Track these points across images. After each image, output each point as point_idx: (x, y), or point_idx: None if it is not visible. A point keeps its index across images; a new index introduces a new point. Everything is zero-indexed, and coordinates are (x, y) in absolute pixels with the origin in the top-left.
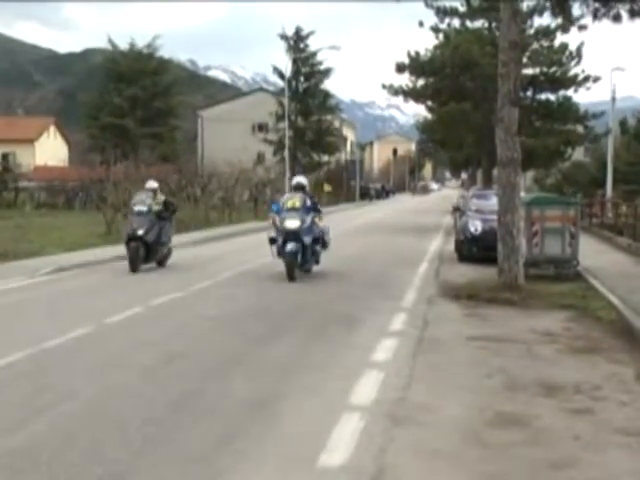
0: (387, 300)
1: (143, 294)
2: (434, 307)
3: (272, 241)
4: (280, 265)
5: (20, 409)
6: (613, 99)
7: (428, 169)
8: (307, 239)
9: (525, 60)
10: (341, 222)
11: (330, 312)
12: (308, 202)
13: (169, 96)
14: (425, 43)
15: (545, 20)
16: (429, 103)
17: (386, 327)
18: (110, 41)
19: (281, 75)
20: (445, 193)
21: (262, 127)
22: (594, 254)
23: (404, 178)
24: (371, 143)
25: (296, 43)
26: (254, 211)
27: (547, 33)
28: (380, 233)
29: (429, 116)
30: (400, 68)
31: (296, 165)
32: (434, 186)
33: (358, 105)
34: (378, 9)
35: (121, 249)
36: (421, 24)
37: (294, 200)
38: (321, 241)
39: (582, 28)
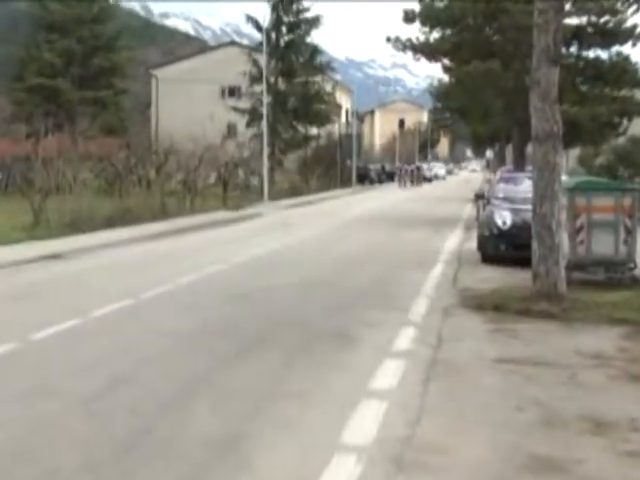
0: (391, 312)
1: (82, 302)
2: (451, 320)
3: None
4: (259, 267)
5: None
6: None
7: (444, 146)
8: None
9: (568, 7)
10: (334, 213)
11: (319, 327)
12: None
13: (114, 51)
14: None
15: None
16: (446, 61)
17: (389, 346)
18: None
19: (257, 25)
20: (465, 177)
21: (233, 91)
22: None
23: (413, 157)
24: (372, 112)
25: None
26: (223, 198)
27: None
28: (383, 227)
29: (445, 78)
30: (409, 17)
31: (277, 139)
32: (439, 170)
33: (355, 64)
34: None
35: (52, 245)
36: None
37: None
38: None
39: None
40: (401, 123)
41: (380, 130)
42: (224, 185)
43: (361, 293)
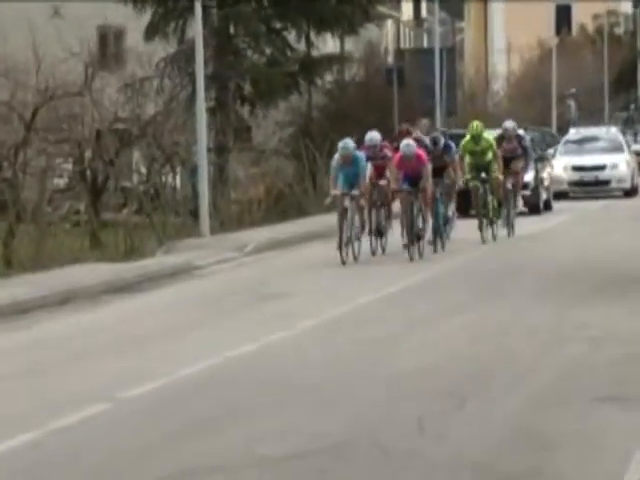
0: None
1: None
2: None
3: None
4: (192, 411)
5: None
6: None
7: None
8: None
9: None
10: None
11: None
12: None
13: None
14: None
15: None
16: None
17: None
18: None
19: None
20: None
21: None
22: None
23: (602, 103)
24: None
25: None
26: (92, 228)
27: None
28: (517, 295)
29: None
30: None
31: (230, 69)
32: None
33: None
34: None
35: None
36: None
37: None
38: None
39: None
40: (562, 20)
41: (507, 37)
42: (94, 193)
43: None
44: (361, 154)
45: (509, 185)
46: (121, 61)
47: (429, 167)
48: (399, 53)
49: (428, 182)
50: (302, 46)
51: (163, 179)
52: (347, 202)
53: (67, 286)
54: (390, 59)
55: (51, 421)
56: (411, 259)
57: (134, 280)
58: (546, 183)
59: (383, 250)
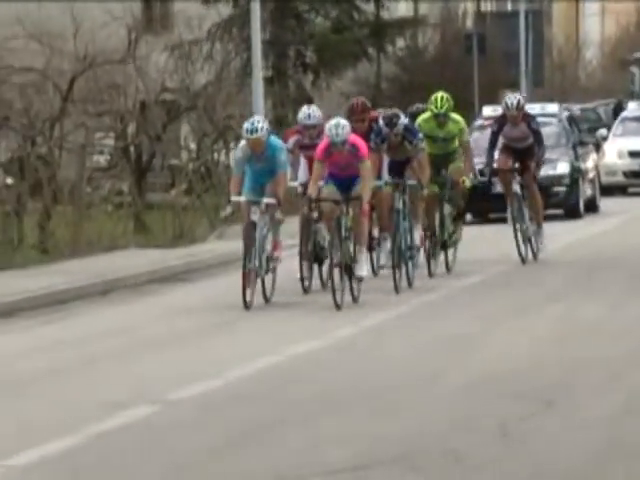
0: None
1: None
2: None
3: None
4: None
5: None
6: None
7: None
8: None
9: None
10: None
11: None
12: None
13: None
14: None
15: None
16: None
17: None
18: None
19: None
20: None
21: None
22: None
23: None
24: None
25: None
26: (136, 211)
27: None
28: None
29: None
30: None
31: (290, 33)
32: None
33: None
34: None
35: None
36: None
37: None
38: None
39: None
40: None
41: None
42: (138, 171)
43: None
44: (280, 143)
45: (517, 188)
46: (168, 26)
47: (368, 164)
48: (479, 17)
49: (366, 187)
50: (371, 7)
51: (215, 156)
52: (255, 215)
53: (108, 275)
54: (469, 23)
55: (93, 425)
56: (337, 307)
57: (183, 268)
58: (590, 176)
59: (323, 285)
